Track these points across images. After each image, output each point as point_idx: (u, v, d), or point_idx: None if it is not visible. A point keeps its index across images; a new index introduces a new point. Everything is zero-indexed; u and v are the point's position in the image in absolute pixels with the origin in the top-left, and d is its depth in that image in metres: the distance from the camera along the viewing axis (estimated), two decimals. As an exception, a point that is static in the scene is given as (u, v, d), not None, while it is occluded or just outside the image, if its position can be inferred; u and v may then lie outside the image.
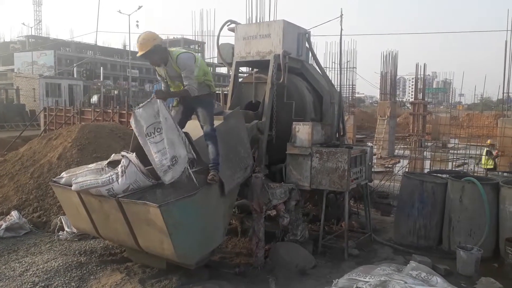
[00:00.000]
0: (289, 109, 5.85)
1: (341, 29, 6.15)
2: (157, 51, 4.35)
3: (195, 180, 4.14)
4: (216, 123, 4.86)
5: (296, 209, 5.48)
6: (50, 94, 31.60)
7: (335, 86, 7.18)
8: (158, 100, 4.12)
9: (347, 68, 20.84)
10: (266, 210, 5.22)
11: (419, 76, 20.13)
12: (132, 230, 4.21)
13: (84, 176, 4.56)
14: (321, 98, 6.50)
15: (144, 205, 3.86)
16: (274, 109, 5.73)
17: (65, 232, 5.88)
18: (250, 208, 5.13)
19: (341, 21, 6.17)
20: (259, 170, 5.36)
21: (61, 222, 6.03)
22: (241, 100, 6.28)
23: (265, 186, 5.08)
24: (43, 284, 4.28)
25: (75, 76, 38.89)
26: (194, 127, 4.91)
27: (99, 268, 4.69)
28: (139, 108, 4.17)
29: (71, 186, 4.59)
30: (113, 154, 5.01)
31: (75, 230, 5.48)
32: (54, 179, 5.05)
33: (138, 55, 4.38)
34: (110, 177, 4.24)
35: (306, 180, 5.51)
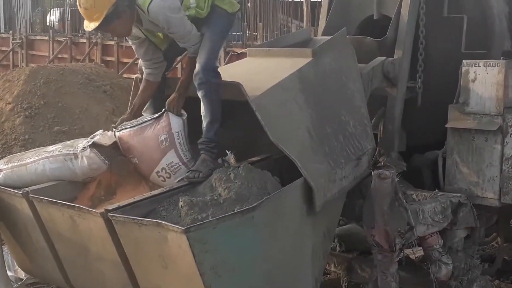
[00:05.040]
0: (455, 34, 3.76)
1: None
2: (121, 12, 2.95)
3: None
4: (299, 62, 3.10)
5: (467, 247, 3.86)
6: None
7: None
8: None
9: None
10: (403, 247, 3.56)
11: None
12: (133, 276, 2.77)
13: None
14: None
15: (158, 226, 2.50)
16: (421, 33, 3.70)
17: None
18: (368, 241, 3.54)
19: None
20: (387, 162, 3.71)
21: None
22: (349, 14, 4.25)
23: (399, 197, 3.47)
24: None
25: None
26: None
27: None
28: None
29: (16, 188, 3.06)
30: (99, 131, 3.21)
31: (22, 276, 3.73)
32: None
33: (88, 29, 3.03)
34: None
35: (490, 186, 3.68)
